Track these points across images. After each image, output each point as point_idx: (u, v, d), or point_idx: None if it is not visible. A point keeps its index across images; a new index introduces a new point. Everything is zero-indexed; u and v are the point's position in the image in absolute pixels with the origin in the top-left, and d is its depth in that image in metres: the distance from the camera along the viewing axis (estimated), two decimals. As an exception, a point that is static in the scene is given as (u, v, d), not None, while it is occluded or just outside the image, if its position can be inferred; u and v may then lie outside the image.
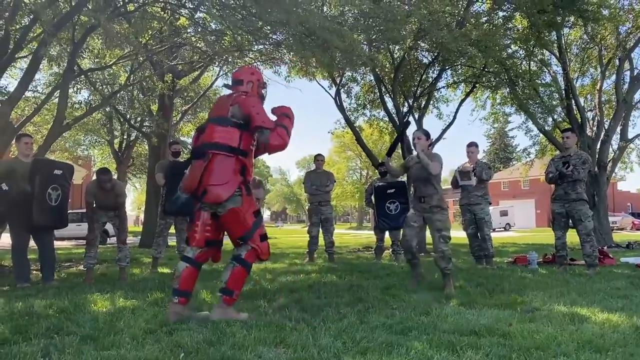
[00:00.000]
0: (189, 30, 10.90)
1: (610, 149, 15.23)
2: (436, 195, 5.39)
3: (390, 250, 9.44)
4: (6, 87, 12.19)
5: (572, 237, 7.28)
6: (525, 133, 17.18)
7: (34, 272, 6.71)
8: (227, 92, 4.26)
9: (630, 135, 15.29)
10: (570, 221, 7.04)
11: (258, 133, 3.87)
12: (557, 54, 14.20)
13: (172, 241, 9.53)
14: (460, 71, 14.61)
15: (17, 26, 8.58)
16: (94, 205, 6.50)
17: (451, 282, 5.19)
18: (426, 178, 5.37)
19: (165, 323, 3.55)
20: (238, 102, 3.91)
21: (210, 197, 3.71)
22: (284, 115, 4.02)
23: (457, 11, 12.07)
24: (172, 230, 7.84)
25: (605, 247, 10.56)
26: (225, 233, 3.96)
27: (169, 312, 3.79)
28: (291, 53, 10.73)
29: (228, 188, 3.72)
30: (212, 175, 3.72)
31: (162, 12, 9.95)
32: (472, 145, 7.99)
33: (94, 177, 6.82)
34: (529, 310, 3.97)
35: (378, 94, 13.89)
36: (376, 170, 10.92)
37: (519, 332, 3.20)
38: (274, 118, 4.00)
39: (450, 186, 8.39)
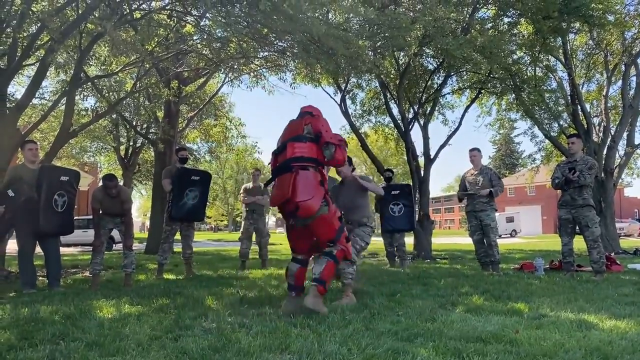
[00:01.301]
0: (194, 38, 10.95)
1: (617, 155, 15.18)
2: (360, 212, 5.54)
3: (396, 256, 9.40)
4: (14, 94, 12.28)
5: (579, 243, 7.24)
6: (531, 139, 17.20)
7: (40, 278, 6.72)
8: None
9: (636, 141, 15.28)
10: (577, 227, 7.01)
11: (324, 147, 4.32)
12: (563, 60, 14.20)
13: (177, 247, 9.54)
14: (465, 77, 14.62)
15: (25, 34, 8.65)
16: (100, 211, 6.52)
17: (347, 296, 4.81)
18: (353, 196, 5.62)
19: (171, 329, 3.55)
20: (311, 122, 4.40)
21: (303, 213, 4.12)
22: (341, 141, 4.49)
23: (462, 18, 12.08)
24: (177, 236, 7.85)
25: (612, 254, 10.49)
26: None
27: (286, 303, 4.28)
28: (296, 60, 10.76)
29: (317, 201, 4.14)
30: (300, 191, 4.08)
31: (168, 20, 10.00)
32: (475, 150, 7.98)
33: (100, 184, 6.85)
34: (535, 317, 3.94)
35: (383, 100, 13.92)
36: (381, 176, 10.91)
37: (526, 339, 3.18)
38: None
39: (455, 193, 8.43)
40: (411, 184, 13.76)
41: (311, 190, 4.11)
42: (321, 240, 4.30)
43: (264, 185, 7.27)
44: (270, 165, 4.55)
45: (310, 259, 4.77)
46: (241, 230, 9.04)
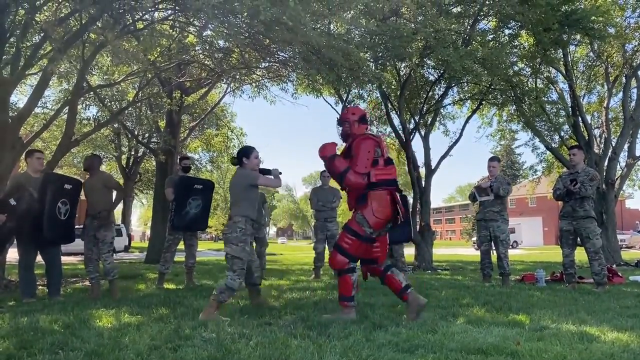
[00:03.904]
0: (197, 48, 11.02)
1: (618, 167, 15.16)
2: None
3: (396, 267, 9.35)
4: (16, 103, 12.32)
5: (580, 255, 7.21)
6: (532, 150, 17.15)
7: (40, 287, 6.71)
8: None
9: (638, 153, 15.22)
10: (579, 239, 6.99)
11: None
12: (564, 72, 14.23)
13: (178, 257, 9.52)
14: (466, 88, 14.66)
15: (28, 43, 8.70)
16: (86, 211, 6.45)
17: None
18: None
19: (170, 339, 3.53)
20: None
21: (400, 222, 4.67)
22: None
23: (463, 29, 12.14)
24: (180, 245, 7.81)
25: (614, 265, 10.46)
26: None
27: (353, 312, 4.48)
28: (297, 71, 10.81)
29: None
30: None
31: (171, 30, 10.06)
32: (494, 160, 7.96)
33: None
34: (537, 329, 3.92)
35: (384, 110, 13.94)
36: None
37: (527, 351, 3.16)
38: None
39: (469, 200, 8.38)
40: (412, 194, 13.78)
41: None
42: (384, 254, 4.74)
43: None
44: (391, 171, 4.70)
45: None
46: None
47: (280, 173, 5.04)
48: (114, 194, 6.71)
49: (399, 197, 4.59)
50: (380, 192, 4.51)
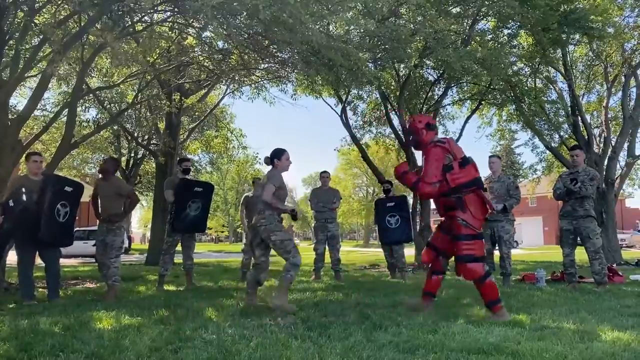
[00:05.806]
0: (196, 49, 11.02)
1: (618, 166, 15.15)
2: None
3: (397, 267, 9.34)
4: (16, 105, 12.33)
5: (580, 254, 7.21)
6: (532, 150, 17.15)
7: (41, 289, 6.70)
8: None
9: (637, 152, 15.22)
10: (579, 238, 6.98)
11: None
12: (563, 71, 14.23)
13: (177, 259, 9.53)
14: (466, 88, 14.67)
15: (27, 46, 8.70)
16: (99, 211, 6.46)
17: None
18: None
19: (171, 341, 3.53)
20: None
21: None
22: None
23: (462, 29, 12.15)
24: (178, 247, 7.80)
25: (614, 265, 10.45)
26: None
27: (505, 311, 4.54)
28: (296, 72, 10.81)
29: None
30: None
31: (170, 32, 10.07)
32: (494, 157, 7.92)
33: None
34: (537, 328, 3.92)
35: (384, 111, 13.96)
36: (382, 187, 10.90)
37: (528, 351, 3.16)
38: None
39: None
40: (411, 195, 13.78)
41: None
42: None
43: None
44: (468, 172, 4.72)
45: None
46: (245, 242, 8.99)
47: (294, 213, 5.20)
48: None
49: (484, 195, 4.75)
50: (472, 196, 4.65)
